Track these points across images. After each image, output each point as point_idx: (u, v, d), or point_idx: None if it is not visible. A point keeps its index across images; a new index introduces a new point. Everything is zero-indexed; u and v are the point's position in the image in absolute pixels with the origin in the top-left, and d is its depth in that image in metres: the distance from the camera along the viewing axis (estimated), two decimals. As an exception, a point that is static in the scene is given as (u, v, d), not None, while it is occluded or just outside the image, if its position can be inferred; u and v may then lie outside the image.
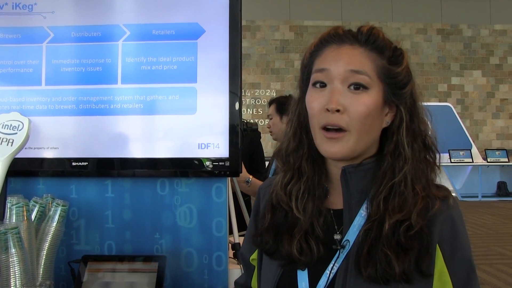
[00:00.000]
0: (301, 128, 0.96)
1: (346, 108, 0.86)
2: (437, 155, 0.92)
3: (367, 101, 0.86)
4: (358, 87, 0.86)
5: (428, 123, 0.93)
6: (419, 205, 0.85)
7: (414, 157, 0.89)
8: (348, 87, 0.86)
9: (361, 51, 0.88)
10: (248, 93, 12.32)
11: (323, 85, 0.88)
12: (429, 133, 0.93)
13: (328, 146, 0.88)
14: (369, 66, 0.87)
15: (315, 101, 0.89)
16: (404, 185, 0.87)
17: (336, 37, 0.90)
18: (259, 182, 2.43)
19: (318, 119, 0.88)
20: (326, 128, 0.88)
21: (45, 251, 1.34)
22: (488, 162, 10.86)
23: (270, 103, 3.04)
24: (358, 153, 0.89)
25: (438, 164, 0.92)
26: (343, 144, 0.87)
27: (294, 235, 0.91)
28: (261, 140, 3.36)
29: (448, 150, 10.40)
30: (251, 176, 2.49)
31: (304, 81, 0.95)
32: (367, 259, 0.84)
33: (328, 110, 0.86)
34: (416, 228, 0.84)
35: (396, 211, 0.85)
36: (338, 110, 0.85)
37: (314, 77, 0.90)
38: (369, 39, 0.89)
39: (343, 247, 0.89)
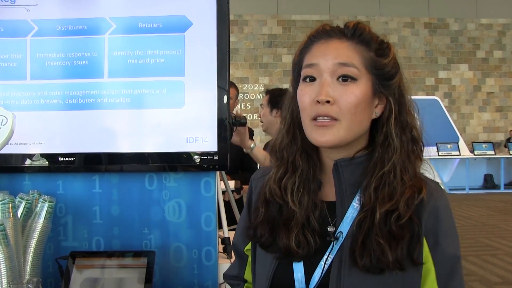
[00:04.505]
0: (294, 124, 0.98)
1: (336, 99, 0.87)
2: (423, 147, 0.95)
3: (356, 91, 0.88)
4: (347, 78, 0.88)
5: (416, 116, 0.96)
6: (406, 195, 0.88)
7: (403, 148, 0.91)
8: (337, 79, 0.89)
9: (348, 45, 0.90)
10: (236, 88, 12.28)
11: (313, 79, 0.91)
12: (417, 126, 0.95)
13: (318, 135, 0.89)
14: (356, 59, 0.89)
15: (305, 94, 0.91)
16: (393, 175, 0.89)
17: (324, 33, 0.93)
18: (262, 152, 2.38)
19: (309, 111, 0.90)
20: (316, 119, 0.89)
21: (32, 248, 1.33)
22: (475, 155, 10.98)
23: (266, 92, 3.02)
24: (347, 142, 0.91)
25: (422, 156, 0.95)
26: (334, 132, 0.88)
27: (291, 228, 0.92)
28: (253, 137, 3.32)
29: (436, 143, 10.48)
30: (253, 143, 2.38)
31: (296, 78, 0.97)
32: (362, 249, 0.86)
33: (318, 102, 0.88)
34: (405, 217, 0.86)
35: (386, 200, 0.87)
36: (328, 102, 0.87)
37: (304, 72, 0.92)
38: (355, 32, 0.91)
39: (337, 238, 0.91)
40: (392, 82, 0.92)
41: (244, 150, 2.31)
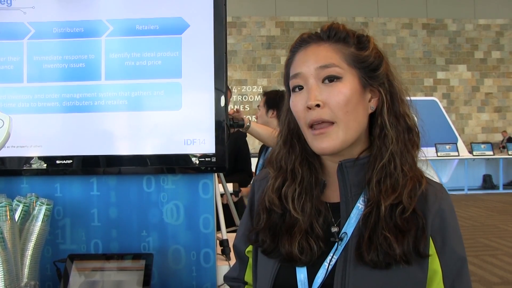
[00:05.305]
0: (292, 134, 1.00)
1: (326, 101, 0.89)
2: (419, 135, 0.95)
3: (343, 89, 0.89)
4: (332, 79, 0.89)
5: (408, 104, 0.96)
6: (409, 186, 0.89)
7: (399, 137, 0.92)
8: (323, 81, 0.90)
9: (326, 46, 0.92)
10: (235, 89, 12.29)
11: (301, 87, 0.92)
12: (410, 114, 0.95)
13: (318, 143, 0.90)
14: (336, 58, 0.91)
15: (297, 104, 0.93)
16: (393, 166, 0.90)
17: (302, 41, 0.96)
18: (259, 126, 2.36)
19: (304, 119, 0.91)
20: (312, 127, 0.91)
21: (29, 251, 1.32)
22: (473, 155, 10.98)
23: (264, 94, 3.06)
24: (350, 142, 0.91)
25: (419, 143, 0.95)
26: (333, 137, 0.89)
27: (294, 234, 0.92)
28: (246, 138, 3.30)
29: (435, 144, 10.48)
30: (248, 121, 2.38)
31: (288, 91, 0.98)
32: (368, 244, 0.86)
33: (309, 108, 0.89)
34: (409, 210, 0.87)
35: (390, 193, 0.88)
36: (318, 105, 0.88)
37: (291, 83, 0.94)
38: (330, 33, 0.94)
39: (341, 239, 0.91)
40: (378, 72, 0.93)
41: (241, 130, 2.31)
